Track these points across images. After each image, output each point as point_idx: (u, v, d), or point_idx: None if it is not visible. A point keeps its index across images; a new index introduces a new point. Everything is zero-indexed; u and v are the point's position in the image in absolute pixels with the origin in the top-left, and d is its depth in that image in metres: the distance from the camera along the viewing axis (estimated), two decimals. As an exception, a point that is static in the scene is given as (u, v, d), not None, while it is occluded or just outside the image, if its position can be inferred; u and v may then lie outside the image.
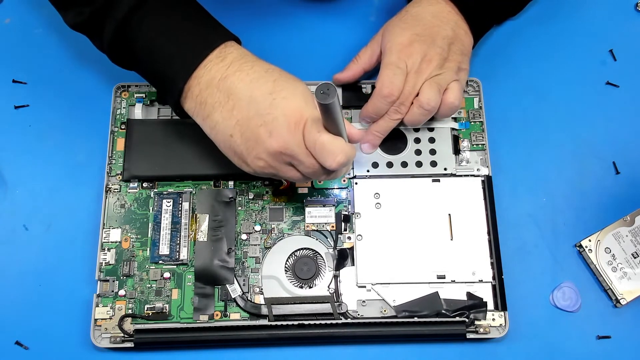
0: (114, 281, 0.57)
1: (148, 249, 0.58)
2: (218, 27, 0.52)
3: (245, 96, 0.48)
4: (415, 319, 0.55)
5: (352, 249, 0.58)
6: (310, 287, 0.57)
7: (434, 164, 0.61)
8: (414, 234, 0.58)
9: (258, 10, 0.68)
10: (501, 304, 0.56)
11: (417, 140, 0.62)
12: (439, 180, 0.60)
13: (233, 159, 0.51)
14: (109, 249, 0.58)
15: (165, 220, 0.59)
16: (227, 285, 0.57)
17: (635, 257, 0.59)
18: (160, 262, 0.58)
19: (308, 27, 0.68)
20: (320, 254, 0.58)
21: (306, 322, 0.55)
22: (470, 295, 0.57)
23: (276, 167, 0.49)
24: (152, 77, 0.53)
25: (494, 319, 0.56)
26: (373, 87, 0.60)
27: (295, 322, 0.55)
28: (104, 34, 0.51)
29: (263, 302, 0.56)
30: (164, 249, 0.58)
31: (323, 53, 0.66)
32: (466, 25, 0.58)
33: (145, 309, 0.56)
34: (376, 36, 0.60)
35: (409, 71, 0.55)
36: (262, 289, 0.57)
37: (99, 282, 0.57)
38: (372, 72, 0.61)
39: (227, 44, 0.50)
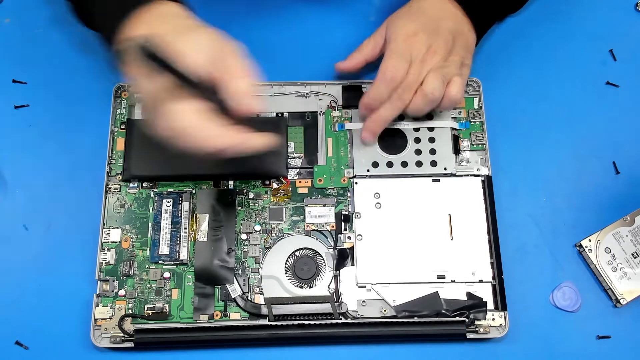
0: (114, 281, 0.57)
1: (148, 249, 0.58)
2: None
3: (181, 45, 0.45)
4: (415, 319, 0.55)
5: (352, 249, 0.58)
6: (310, 287, 0.57)
7: (434, 163, 0.61)
8: (414, 234, 0.58)
9: (258, 8, 0.68)
10: (501, 304, 0.56)
11: (417, 140, 0.62)
12: (439, 180, 0.60)
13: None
14: (109, 249, 0.58)
15: (165, 220, 0.59)
16: (227, 285, 0.57)
17: (635, 257, 0.59)
18: (160, 262, 0.58)
19: (308, 25, 0.68)
20: (320, 254, 0.58)
21: (306, 322, 0.55)
22: (470, 295, 0.57)
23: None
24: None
25: (494, 319, 0.56)
26: None
27: (295, 322, 0.55)
28: None
29: (263, 302, 0.56)
30: (164, 249, 0.58)
31: (323, 52, 0.66)
32: (469, 22, 0.59)
33: (145, 309, 0.56)
34: (380, 28, 0.60)
35: (413, 60, 0.55)
36: (262, 289, 0.57)
37: (99, 282, 0.57)
38: (373, 67, 0.61)
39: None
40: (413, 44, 0.55)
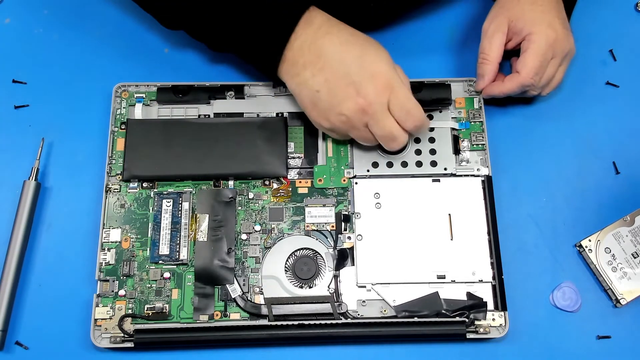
0: (114, 281, 0.57)
1: (148, 249, 0.58)
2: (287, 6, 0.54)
3: (335, 58, 0.52)
4: (415, 319, 0.55)
5: (352, 249, 0.58)
6: (310, 287, 0.57)
7: (434, 164, 0.61)
8: (414, 234, 0.58)
9: None
10: (501, 304, 0.56)
11: (417, 140, 0.62)
12: (439, 180, 0.60)
13: (311, 113, 0.55)
14: (109, 249, 0.58)
15: (165, 220, 0.59)
16: (227, 285, 0.57)
17: (635, 257, 0.59)
18: (160, 262, 0.58)
19: None
20: (320, 254, 0.58)
21: (306, 322, 0.55)
22: (470, 295, 0.57)
23: (354, 124, 0.53)
24: (247, 50, 0.56)
25: (494, 319, 0.56)
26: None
27: (295, 322, 0.55)
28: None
29: (263, 302, 0.56)
30: (164, 249, 0.58)
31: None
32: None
33: (145, 309, 0.56)
34: (497, 24, 0.60)
35: (553, 57, 0.59)
36: (262, 289, 0.57)
37: (99, 282, 0.57)
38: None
39: (310, 8, 0.54)
40: (553, 47, 0.58)
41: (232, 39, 0.55)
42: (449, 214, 0.59)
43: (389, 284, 0.57)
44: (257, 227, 0.59)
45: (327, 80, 0.52)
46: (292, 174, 0.61)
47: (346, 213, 0.59)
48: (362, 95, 0.52)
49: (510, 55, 0.63)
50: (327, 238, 0.59)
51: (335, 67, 0.52)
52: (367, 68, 0.52)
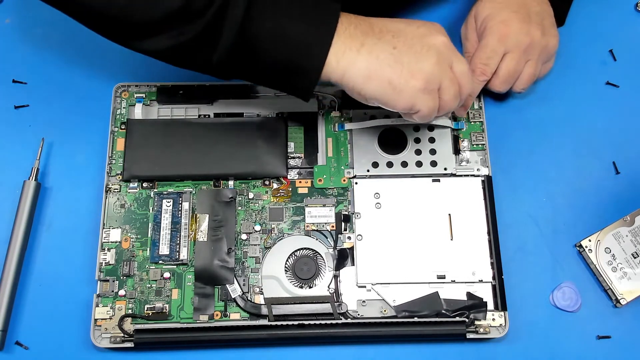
0: (114, 281, 0.57)
1: (148, 249, 0.58)
2: None
3: (385, 21, 0.49)
4: (415, 319, 0.55)
5: (352, 249, 0.58)
6: (310, 287, 0.57)
7: (434, 164, 0.61)
8: (414, 234, 0.58)
9: None
10: (501, 304, 0.56)
11: (417, 140, 0.62)
12: (439, 180, 0.60)
13: (399, 80, 0.48)
14: (109, 249, 0.58)
15: (165, 220, 0.59)
16: (227, 285, 0.57)
17: (635, 257, 0.59)
18: (160, 262, 0.58)
19: None
20: (320, 254, 0.58)
21: (306, 322, 0.55)
22: (470, 295, 0.57)
23: (444, 62, 0.49)
24: (279, 65, 0.49)
25: (494, 319, 0.56)
26: None
27: (295, 322, 0.55)
28: (221, 42, 0.47)
29: (263, 302, 0.56)
30: (164, 249, 0.58)
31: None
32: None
33: (145, 309, 0.56)
34: (466, 24, 0.63)
35: (507, 52, 0.59)
36: (262, 289, 0.57)
37: (99, 282, 0.57)
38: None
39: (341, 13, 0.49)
40: (504, 42, 0.58)
41: (263, 54, 0.49)
42: (449, 214, 0.59)
43: (389, 284, 0.57)
44: (257, 227, 0.59)
45: (396, 35, 0.48)
46: (292, 174, 0.61)
47: (346, 213, 0.59)
48: (436, 32, 0.49)
49: None
50: (327, 238, 0.59)
51: (393, 25, 0.49)
52: (421, 21, 0.50)
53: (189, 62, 0.51)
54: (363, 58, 0.48)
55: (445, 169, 0.61)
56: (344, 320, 0.55)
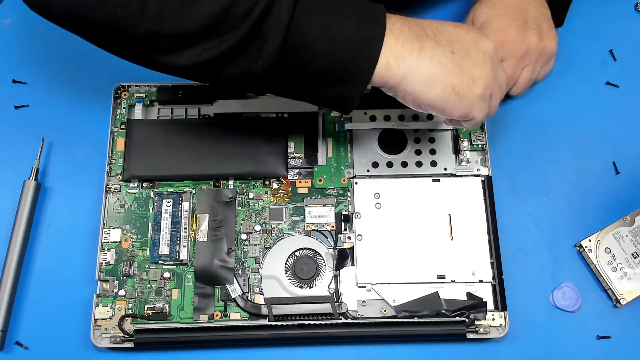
0: (114, 281, 0.57)
1: (148, 249, 0.58)
2: None
3: (433, 23, 0.48)
4: (415, 319, 0.55)
5: (352, 249, 0.58)
6: (310, 287, 0.57)
7: (434, 164, 0.61)
8: (414, 234, 0.58)
9: None
10: (501, 304, 0.56)
11: (417, 140, 0.62)
12: (439, 180, 0.60)
13: (460, 84, 0.46)
14: (109, 249, 0.58)
15: (165, 220, 0.59)
16: (227, 285, 0.57)
17: (635, 257, 0.59)
18: (160, 262, 0.58)
19: None
20: (320, 254, 0.58)
21: (306, 322, 0.55)
22: (470, 295, 0.57)
23: (496, 70, 0.49)
24: (327, 70, 0.45)
25: (494, 319, 0.56)
26: None
27: (295, 322, 0.55)
28: (266, 47, 0.43)
29: (263, 302, 0.56)
30: (164, 249, 0.58)
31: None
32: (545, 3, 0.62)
33: (145, 309, 0.56)
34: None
35: (503, 59, 0.59)
36: (262, 289, 0.57)
37: (99, 282, 0.57)
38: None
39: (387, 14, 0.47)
40: (501, 50, 0.58)
41: (312, 58, 0.45)
42: (449, 214, 0.59)
43: (389, 284, 0.57)
44: (257, 227, 0.59)
45: (450, 40, 0.47)
46: (292, 174, 0.61)
47: (346, 213, 0.59)
48: (484, 36, 0.49)
49: None
50: (327, 238, 0.59)
51: (443, 27, 0.47)
52: (462, 24, 0.49)
53: (223, 76, 0.45)
54: (426, 63, 0.45)
55: (445, 169, 0.61)
56: (344, 320, 0.55)
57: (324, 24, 0.43)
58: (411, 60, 0.45)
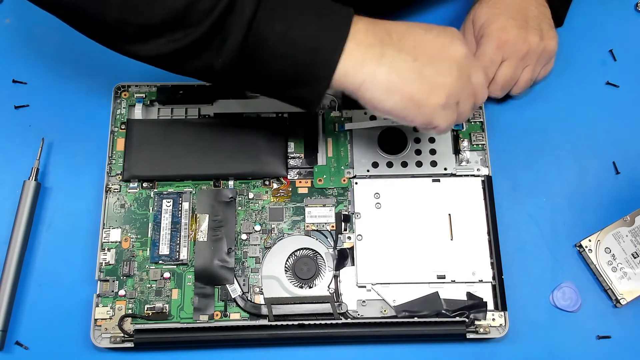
0: (114, 281, 0.57)
1: (148, 249, 0.58)
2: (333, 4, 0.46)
3: (403, 27, 0.47)
4: (415, 319, 0.55)
5: (352, 249, 0.58)
6: (310, 287, 0.57)
7: (434, 164, 0.61)
8: (414, 234, 0.58)
9: None
10: (501, 304, 0.56)
11: (417, 140, 0.62)
12: (439, 180, 0.60)
13: (419, 94, 0.46)
14: (109, 249, 0.58)
15: (165, 220, 0.59)
16: (227, 285, 0.57)
17: (635, 257, 0.59)
18: (160, 262, 0.58)
19: None
20: (320, 254, 0.58)
21: (306, 322, 0.55)
22: (470, 295, 0.57)
23: (465, 73, 0.47)
24: (287, 71, 0.45)
25: (494, 319, 0.56)
26: None
27: (295, 322, 0.55)
28: (226, 45, 0.44)
29: (263, 302, 0.56)
30: (164, 249, 0.58)
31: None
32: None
33: (145, 309, 0.56)
34: (464, 29, 0.62)
35: (504, 59, 0.59)
36: (262, 289, 0.57)
37: (99, 282, 0.57)
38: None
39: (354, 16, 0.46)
40: (502, 49, 0.58)
41: (272, 59, 0.45)
42: (449, 214, 0.59)
43: (389, 284, 0.57)
44: (257, 227, 0.59)
45: (415, 46, 0.46)
46: (292, 174, 0.61)
47: (346, 213, 0.59)
48: (456, 41, 0.47)
49: None
50: (327, 238, 0.59)
51: (411, 31, 0.46)
52: (438, 26, 0.48)
53: (190, 70, 0.47)
54: (384, 70, 0.45)
55: (445, 169, 0.61)
56: (344, 320, 0.55)
57: (285, 25, 0.44)
58: (369, 68, 0.45)
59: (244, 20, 0.43)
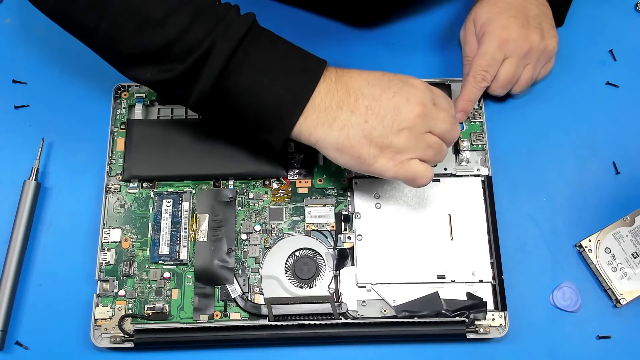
0: (114, 281, 0.57)
1: (148, 249, 0.58)
2: (309, 56, 0.50)
3: (364, 84, 0.49)
4: (415, 319, 0.55)
5: (352, 249, 0.58)
6: (310, 287, 0.57)
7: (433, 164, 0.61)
8: (414, 234, 0.58)
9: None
10: (501, 304, 0.56)
11: (417, 140, 0.62)
12: (439, 180, 0.60)
13: (367, 154, 0.49)
14: (109, 249, 0.58)
15: (165, 220, 0.59)
16: (227, 285, 0.57)
17: (635, 257, 0.59)
18: (160, 262, 0.58)
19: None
20: (320, 254, 0.58)
21: (306, 322, 0.55)
22: (470, 295, 0.57)
23: (417, 134, 0.49)
24: (250, 119, 0.50)
25: (494, 319, 0.56)
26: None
27: (296, 322, 0.55)
28: (198, 85, 0.48)
29: (263, 302, 0.56)
30: (164, 249, 0.58)
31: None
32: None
33: (145, 309, 0.56)
34: (465, 28, 0.63)
35: (506, 58, 0.59)
36: (262, 289, 0.57)
37: (99, 282, 0.57)
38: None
39: (325, 71, 0.50)
40: (504, 48, 0.59)
41: (238, 104, 0.49)
42: (449, 214, 0.59)
43: (389, 284, 0.57)
44: (257, 227, 0.59)
45: (369, 106, 0.49)
46: (292, 174, 0.61)
47: (346, 213, 0.59)
48: (412, 98, 0.49)
49: None
50: (327, 238, 0.59)
51: (368, 92, 0.49)
52: (398, 78, 0.50)
53: (170, 97, 0.55)
54: (335, 134, 0.49)
55: (445, 169, 0.61)
56: (344, 320, 0.55)
57: (251, 81, 0.48)
58: (322, 132, 0.49)
59: (214, 71, 0.47)
